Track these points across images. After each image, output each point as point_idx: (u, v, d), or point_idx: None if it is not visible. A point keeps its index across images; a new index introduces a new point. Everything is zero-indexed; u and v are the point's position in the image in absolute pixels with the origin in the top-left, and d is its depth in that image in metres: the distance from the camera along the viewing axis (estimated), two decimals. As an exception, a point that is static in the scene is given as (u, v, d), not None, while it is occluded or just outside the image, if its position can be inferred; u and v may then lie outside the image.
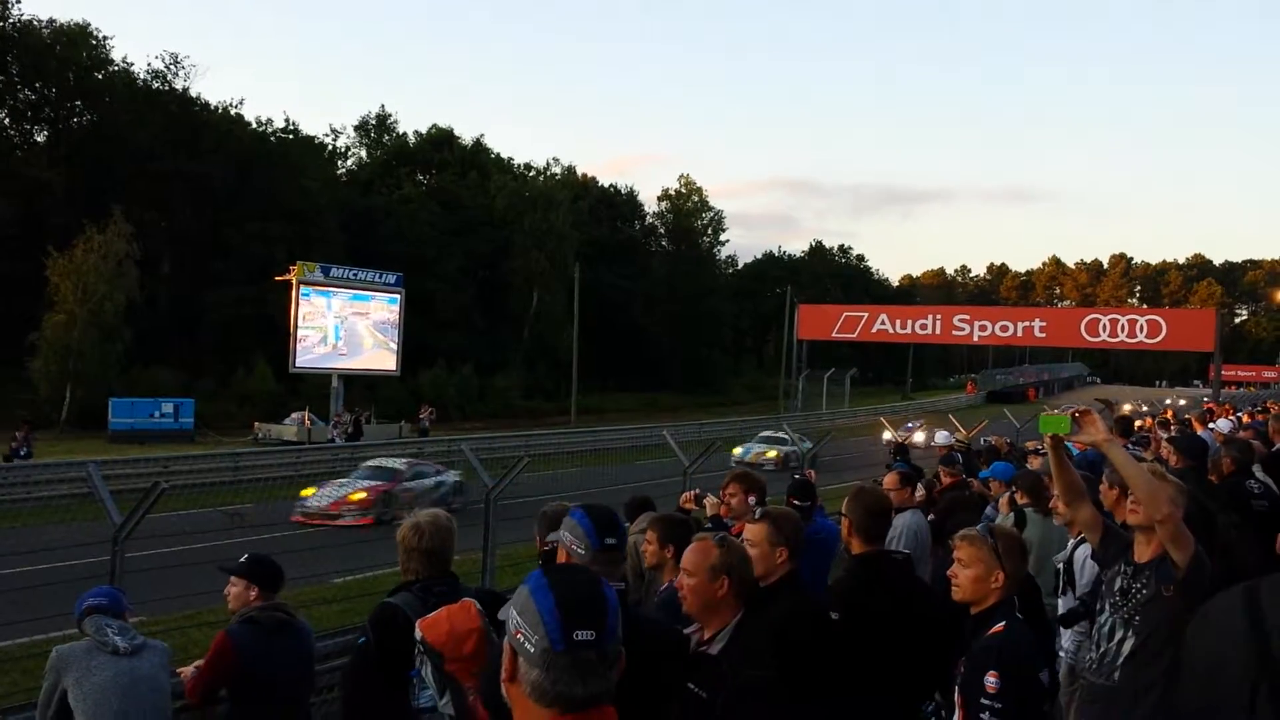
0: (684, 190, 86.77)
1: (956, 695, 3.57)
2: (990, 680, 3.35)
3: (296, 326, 40.90)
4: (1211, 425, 12.93)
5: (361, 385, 47.00)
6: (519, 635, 1.80)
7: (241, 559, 4.71)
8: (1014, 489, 6.89)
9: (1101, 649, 4.03)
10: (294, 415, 40.03)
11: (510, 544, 10.67)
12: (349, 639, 8.86)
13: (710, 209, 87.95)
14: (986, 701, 3.34)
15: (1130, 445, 9.56)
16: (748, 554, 3.62)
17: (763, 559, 4.08)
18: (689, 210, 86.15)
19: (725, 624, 3.45)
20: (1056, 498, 4.98)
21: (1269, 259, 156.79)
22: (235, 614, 4.60)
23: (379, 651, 3.74)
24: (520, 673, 1.80)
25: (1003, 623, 3.54)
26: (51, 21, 50.42)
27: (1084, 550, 5.27)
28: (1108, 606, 4.07)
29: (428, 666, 3.11)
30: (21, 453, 26.16)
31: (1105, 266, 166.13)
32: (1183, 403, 50.60)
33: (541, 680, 1.77)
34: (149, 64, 54.69)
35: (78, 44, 50.76)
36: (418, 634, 3.19)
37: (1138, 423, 17.02)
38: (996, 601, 3.64)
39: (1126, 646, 3.93)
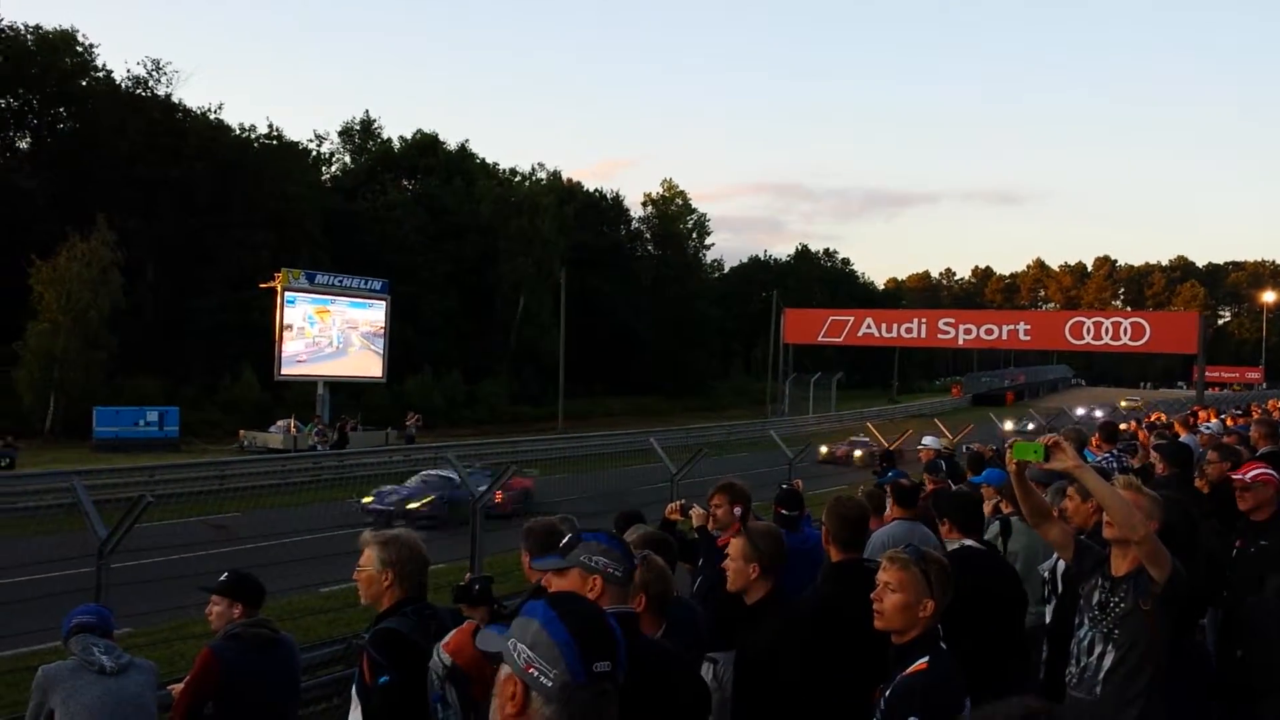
0: (667, 194, 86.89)
1: None
2: None
3: (282, 333, 40.82)
4: (1204, 427, 12.99)
5: (347, 392, 46.89)
6: (532, 670, 1.77)
7: (222, 577, 4.68)
8: (999, 498, 6.89)
9: (1081, 663, 4.03)
10: (280, 423, 39.89)
11: (498, 553, 10.67)
12: (336, 649, 8.85)
13: (694, 212, 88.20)
14: None
15: (1116, 452, 9.59)
16: (667, 573, 3.66)
17: (739, 574, 4.19)
18: (673, 214, 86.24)
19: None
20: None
21: (1251, 260, 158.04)
22: (219, 631, 4.57)
23: (403, 682, 3.67)
24: (533, 708, 1.77)
25: (926, 659, 3.36)
26: (37, 28, 50.33)
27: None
28: (1086, 620, 4.06)
29: (452, 690, 3.08)
30: (3, 463, 26.09)
31: (1089, 269, 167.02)
32: (1118, 407, 50.21)
33: (559, 715, 1.75)
34: (129, 70, 54.13)
35: (60, 50, 50.56)
36: (445, 659, 3.15)
37: (1122, 426, 17.10)
38: (921, 633, 3.43)
39: (1107, 661, 3.93)
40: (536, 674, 1.76)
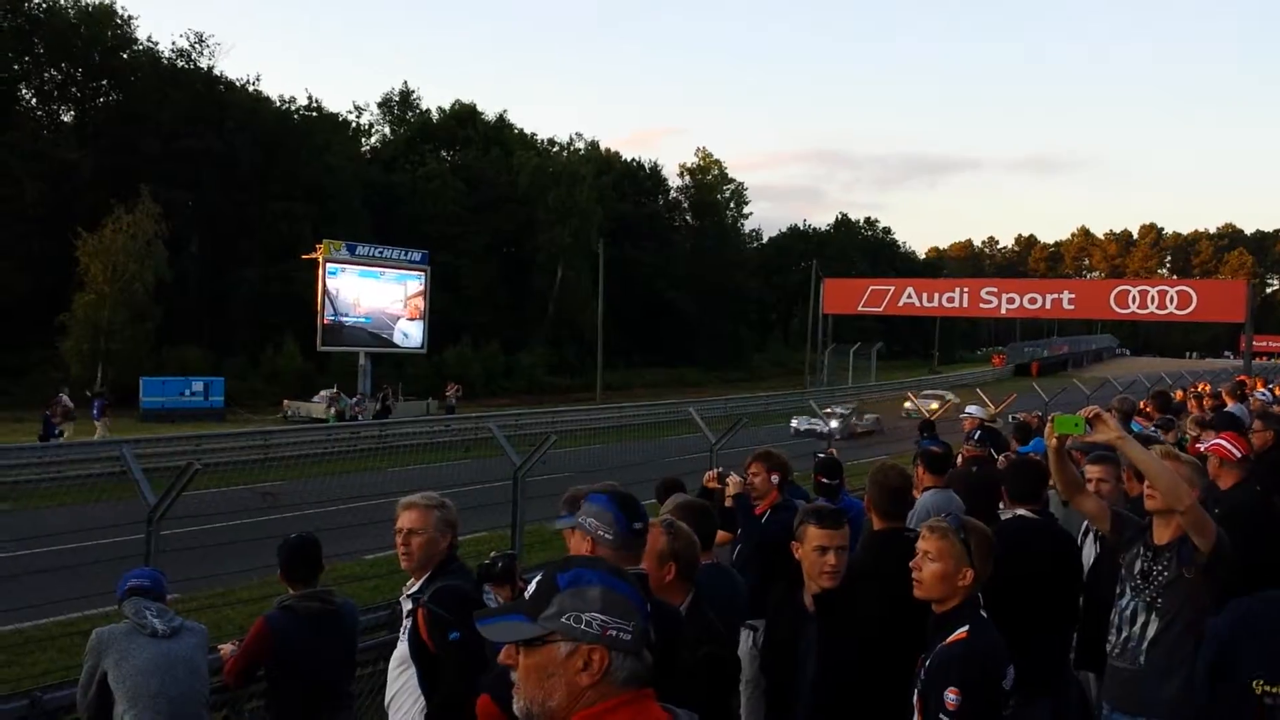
0: (702, 163, 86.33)
1: (915, 698, 3.39)
2: (950, 697, 3.19)
3: (323, 304, 41.20)
4: (1259, 392, 12.82)
5: (388, 363, 47.26)
6: (611, 631, 1.84)
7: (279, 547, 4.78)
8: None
9: (1124, 633, 3.99)
10: (323, 393, 40.33)
11: (537, 521, 10.73)
12: (380, 615, 8.96)
13: (730, 182, 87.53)
14: (945, 717, 3.21)
15: (1154, 428, 9.44)
16: (694, 539, 3.66)
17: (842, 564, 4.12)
18: (710, 184, 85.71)
19: (677, 605, 3.49)
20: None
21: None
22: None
23: (474, 636, 3.77)
24: (613, 668, 1.83)
25: (966, 627, 3.36)
26: (77, 1, 50.68)
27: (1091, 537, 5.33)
28: (1128, 590, 4.03)
29: None
30: (56, 432, 26.55)
31: (1135, 237, 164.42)
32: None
33: (635, 666, 1.84)
34: (174, 43, 54.54)
35: (102, 23, 50.95)
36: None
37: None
38: (961, 602, 3.43)
39: (1151, 630, 3.91)
40: (617, 633, 1.82)
